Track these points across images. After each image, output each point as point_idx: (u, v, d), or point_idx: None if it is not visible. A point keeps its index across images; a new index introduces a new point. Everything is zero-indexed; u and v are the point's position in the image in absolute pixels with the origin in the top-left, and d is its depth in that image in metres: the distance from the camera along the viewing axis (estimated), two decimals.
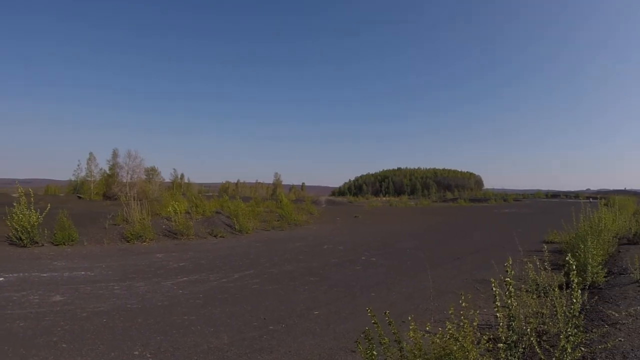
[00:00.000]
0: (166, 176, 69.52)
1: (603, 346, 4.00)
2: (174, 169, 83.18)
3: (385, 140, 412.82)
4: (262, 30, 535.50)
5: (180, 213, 15.62)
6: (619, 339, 4.30)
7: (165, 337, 4.93)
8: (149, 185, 47.47)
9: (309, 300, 6.78)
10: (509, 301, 3.10)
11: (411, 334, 3.08)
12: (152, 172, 56.33)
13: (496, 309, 3.05)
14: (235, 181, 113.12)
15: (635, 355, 3.90)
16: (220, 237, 15.39)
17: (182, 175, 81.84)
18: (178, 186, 68.32)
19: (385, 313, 3.18)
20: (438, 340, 3.18)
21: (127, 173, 44.55)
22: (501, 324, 3.15)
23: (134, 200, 15.73)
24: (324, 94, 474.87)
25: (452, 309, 3.49)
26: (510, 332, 3.17)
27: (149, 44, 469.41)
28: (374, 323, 3.10)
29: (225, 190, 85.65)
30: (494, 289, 3.04)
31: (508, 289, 3.08)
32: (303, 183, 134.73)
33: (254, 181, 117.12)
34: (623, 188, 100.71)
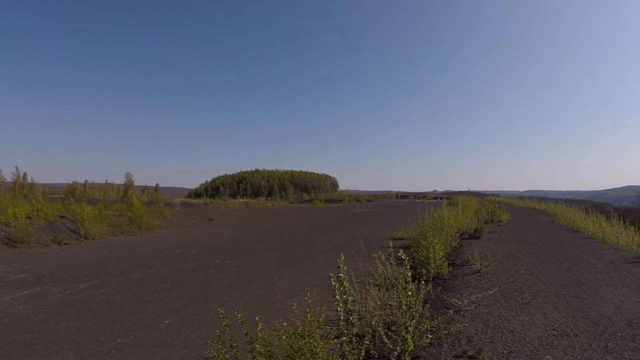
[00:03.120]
0: (7, 175, 67.31)
1: (447, 332, 4.33)
2: (16, 167, 74.00)
3: (243, 141, 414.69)
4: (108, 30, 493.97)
5: (21, 218, 14.23)
6: (464, 324, 4.69)
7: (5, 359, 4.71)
8: None
9: (160, 308, 6.74)
10: (345, 296, 3.19)
11: (259, 334, 3.18)
12: None
13: (336, 303, 3.16)
14: (83, 181, 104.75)
15: (480, 338, 4.25)
16: (65, 244, 14.32)
17: (25, 175, 74.47)
18: (20, 187, 61.44)
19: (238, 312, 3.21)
20: (285, 338, 3.26)
21: None
22: (341, 318, 3.22)
23: None
24: (180, 90, 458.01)
25: (295, 305, 3.50)
26: (350, 325, 3.25)
27: None
28: (225, 325, 3.17)
29: (72, 192, 78.62)
30: (333, 284, 3.13)
31: (343, 285, 3.17)
32: (157, 184, 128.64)
33: (104, 181, 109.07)
34: (467, 189, 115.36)
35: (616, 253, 9.86)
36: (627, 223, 12.81)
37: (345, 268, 3.23)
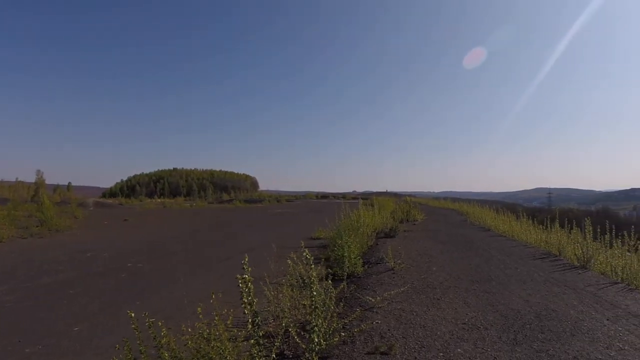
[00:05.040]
0: None
1: (359, 329, 4.41)
2: None
3: (161, 139, 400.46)
4: None
5: None
6: (376, 321, 4.82)
7: None
8: None
9: (70, 315, 6.69)
10: (251, 298, 3.21)
11: (163, 340, 3.22)
12: None
13: (243, 306, 3.18)
14: None
15: (392, 334, 4.38)
16: None
17: None
18: None
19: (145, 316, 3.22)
20: (190, 343, 3.33)
21: None
22: (249, 320, 3.24)
23: None
24: (95, 85, 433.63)
25: (200, 309, 3.55)
26: (256, 327, 3.27)
27: None
28: (134, 329, 3.18)
29: None
30: (240, 286, 3.17)
31: (247, 287, 3.20)
32: (69, 183, 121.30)
33: (14, 179, 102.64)
34: (385, 190, 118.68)
35: (525, 250, 10.58)
36: (535, 222, 13.76)
37: (248, 270, 3.25)
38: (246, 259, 3.30)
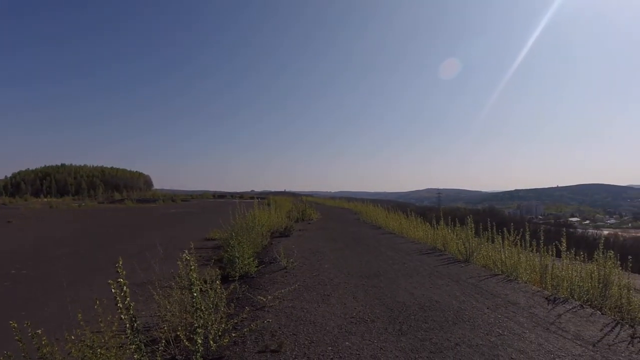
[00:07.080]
0: None
1: (249, 329, 4.44)
2: None
3: (47, 132, 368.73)
4: None
5: None
6: (267, 320, 4.88)
7: None
8: None
9: None
10: (126, 302, 3.18)
11: (43, 350, 3.12)
12: None
13: (119, 311, 3.14)
14: None
15: (283, 332, 4.49)
16: None
17: None
18: None
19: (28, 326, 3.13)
20: (74, 352, 3.24)
21: None
22: (127, 325, 3.20)
23: None
24: None
25: (80, 315, 3.47)
26: (135, 332, 3.23)
27: None
28: (18, 340, 3.10)
29: None
30: (112, 290, 3.12)
31: (123, 291, 3.16)
32: None
33: None
34: (283, 190, 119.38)
35: (412, 246, 11.20)
36: (424, 220, 14.56)
37: (123, 273, 3.21)
38: (120, 262, 3.23)
